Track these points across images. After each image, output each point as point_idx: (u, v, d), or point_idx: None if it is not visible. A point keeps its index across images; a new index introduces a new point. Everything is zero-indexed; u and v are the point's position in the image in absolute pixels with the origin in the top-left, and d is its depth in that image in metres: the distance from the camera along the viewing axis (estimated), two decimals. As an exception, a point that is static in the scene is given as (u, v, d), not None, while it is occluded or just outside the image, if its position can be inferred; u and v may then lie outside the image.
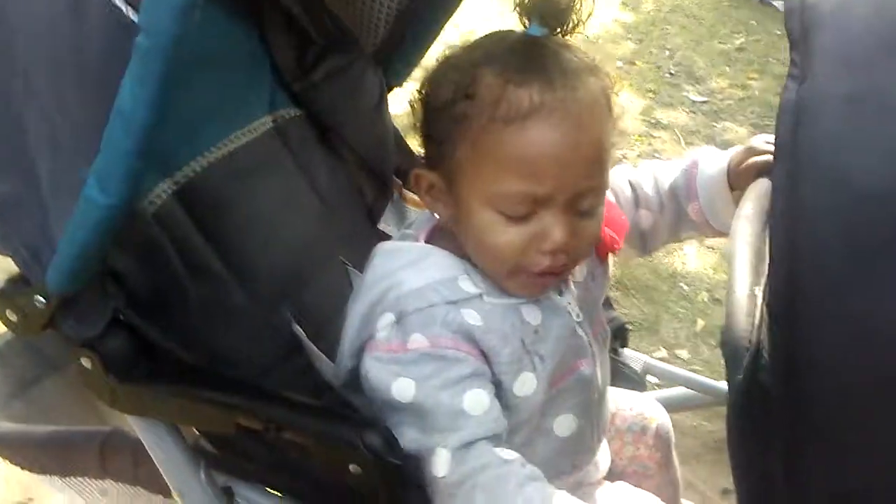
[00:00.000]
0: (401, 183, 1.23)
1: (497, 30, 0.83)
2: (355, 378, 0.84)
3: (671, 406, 1.34)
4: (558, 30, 0.78)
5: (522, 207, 0.77)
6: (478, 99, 0.76)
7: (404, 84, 1.23)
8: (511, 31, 0.81)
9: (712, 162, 0.94)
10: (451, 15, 1.15)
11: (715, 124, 3.20)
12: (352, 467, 0.77)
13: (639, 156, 2.93)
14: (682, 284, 2.37)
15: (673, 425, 1.11)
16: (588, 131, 0.76)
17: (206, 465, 0.93)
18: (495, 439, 0.78)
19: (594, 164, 0.78)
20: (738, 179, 0.91)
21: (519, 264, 0.79)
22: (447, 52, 0.83)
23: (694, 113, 3.27)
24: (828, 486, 0.56)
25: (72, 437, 1.07)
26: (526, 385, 0.82)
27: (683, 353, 2.14)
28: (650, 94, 3.39)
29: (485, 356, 0.80)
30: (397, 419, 0.79)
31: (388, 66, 1.19)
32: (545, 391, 0.84)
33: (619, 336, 1.27)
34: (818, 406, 0.53)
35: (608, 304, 1.20)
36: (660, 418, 1.12)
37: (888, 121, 0.48)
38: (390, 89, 1.22)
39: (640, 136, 3.07)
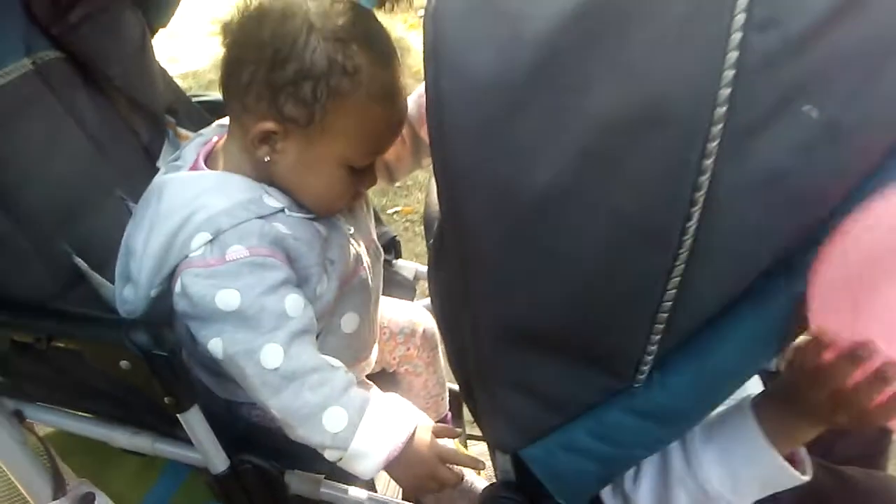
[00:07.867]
0: (174, 121, 1.30)
1: None
2: (157, 306, 0.92)
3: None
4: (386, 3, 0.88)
5: (368, 162, 0.93)
6: (357, 77, 0.85)
7: (168, 24, 1.29)
8: None
9: None
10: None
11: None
12: (122, 363, 0.86)
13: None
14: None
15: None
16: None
17: (-11, 392, 0.98)
18: (312, 334, 0.91)
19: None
20: None
21: (346, 200, 0.97)
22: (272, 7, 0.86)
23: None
24: (493, 325, 0.69)
25: None
26: (323, 284, 0.95)
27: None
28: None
29: (290, 263, 0.91)
30: (222, 327, 0.87)
31: (148, 7, 1.24)
32: (336, 290, 0.97)
33: (392, 248, 1.42)
34: (473, 261, 0.66)
35: (378, 221, 1.34)
36: (426, 323, 1.30)
37: (497, 24, 0.61)
38: (153, 31, 1.27)
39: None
